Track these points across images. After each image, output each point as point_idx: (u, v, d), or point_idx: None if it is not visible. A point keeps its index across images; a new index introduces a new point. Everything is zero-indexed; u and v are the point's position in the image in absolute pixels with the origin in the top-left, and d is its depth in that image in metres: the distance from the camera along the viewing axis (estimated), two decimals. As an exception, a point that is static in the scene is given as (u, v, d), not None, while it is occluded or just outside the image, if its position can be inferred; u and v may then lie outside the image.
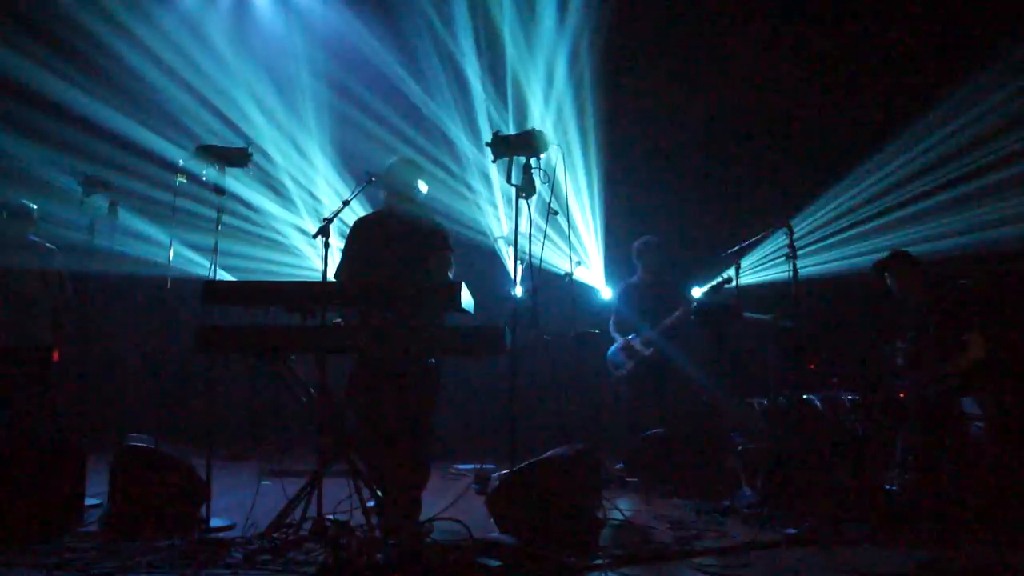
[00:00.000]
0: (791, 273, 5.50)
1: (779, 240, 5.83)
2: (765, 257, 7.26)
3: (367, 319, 4.62)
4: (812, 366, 6.07)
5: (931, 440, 5.07)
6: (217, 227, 5.04)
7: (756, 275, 7.55)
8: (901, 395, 5.42)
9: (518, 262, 5.02)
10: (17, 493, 4.35)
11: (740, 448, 5.85)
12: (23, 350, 6.23)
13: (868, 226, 7.91)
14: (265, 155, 9.07)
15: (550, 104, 9.00)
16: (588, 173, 9.11)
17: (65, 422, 6.27)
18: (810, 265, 7.63)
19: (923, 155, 7.79)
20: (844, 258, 7.87)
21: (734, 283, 6.06)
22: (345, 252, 5.09)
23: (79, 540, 4.22)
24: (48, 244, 6.46)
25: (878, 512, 4.84)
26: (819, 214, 8.18)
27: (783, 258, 5.56)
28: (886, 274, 5.77)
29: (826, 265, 7.88)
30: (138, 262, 8.05)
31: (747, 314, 6.29)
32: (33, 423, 6.16)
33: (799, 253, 5.54)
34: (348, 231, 5.16)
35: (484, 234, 8.89)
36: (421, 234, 4.98)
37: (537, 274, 5.01)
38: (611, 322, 7.53)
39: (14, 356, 6.20)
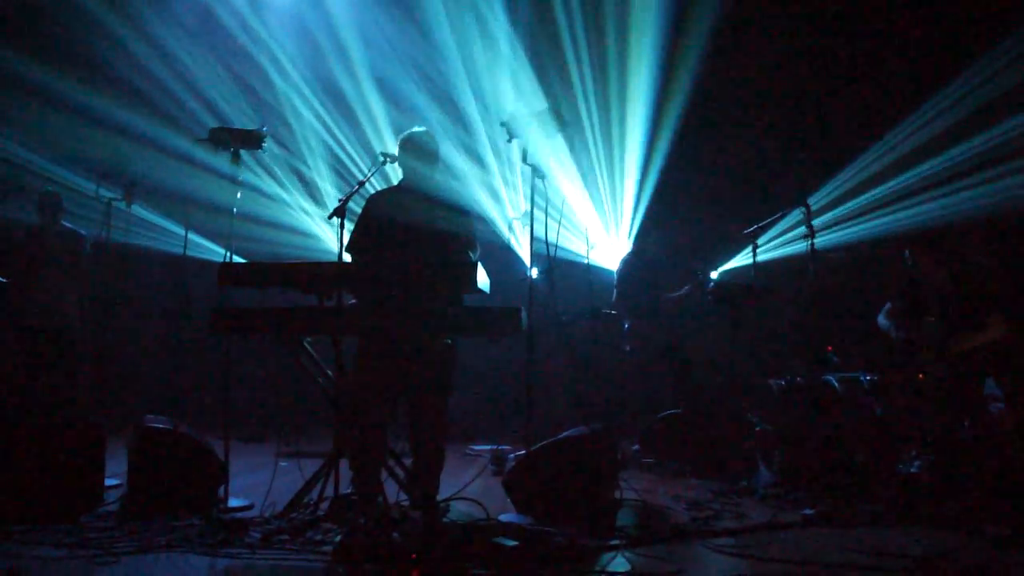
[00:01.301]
0: (808, 251, 5.45)
1: (797, 216, 5.77)
2: (782, 234, 7.22)
3: (382, 300, 4.58)
4: (830, 347, 6.03)
5: (950, 421, 5.03)
6: (233, 209, 5.02)
7: (774, 252, 7.52)
8: (920, 376, 5.38)
9: (533, 242, 4.98)
10: (38, 473, 4.38)
11: (757, 428, 5.83)
12: (51, 332, 6.34)
13: (886, 189, 7.87)
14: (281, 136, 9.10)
15: (573, 83, 8.95)
16: (607, 154, 9.10)
17: (86, 403, 6.35)
18: (827, 238, 7.64)
19: (943, 121, 7.73)
20: (861, 230, 7.84)
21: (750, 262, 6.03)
22: (358, 226, 4.81)
23: (99, 520, 4.26)
24: (80, 231, 6.56)
25: (896, 493, 4.81)
26: (836, 185, 8.14)
27: (801, 238, 5.51)
28: (907, 256, 5.71)
29: (843, 236, 7.85)
30: (153, 247, 8.12)
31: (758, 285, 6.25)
32: (56, 403, 6.26)
33: (816, 229, 5.49)
34: (364, 204, 4.91)
35: (498, 215, 8.88)
36: (440, 211, 4.78)
37: (553, 254, 4.99)
38: (613, 295, 7.53)
39: (43, 338, 6.32)
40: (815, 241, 5.45)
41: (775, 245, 7.52)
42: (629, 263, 7.56)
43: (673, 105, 8.92)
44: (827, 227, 7.82)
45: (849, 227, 7.93)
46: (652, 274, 7.39)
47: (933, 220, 7.38)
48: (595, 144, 9.08)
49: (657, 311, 7.19)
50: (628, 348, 7.29)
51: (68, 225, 6.59)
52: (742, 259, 7.37)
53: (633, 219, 8.36)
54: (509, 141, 4.82)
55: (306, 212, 9.45)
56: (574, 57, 8.94)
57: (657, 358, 7.09)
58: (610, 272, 8.17)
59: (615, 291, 7.48)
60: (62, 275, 6.45)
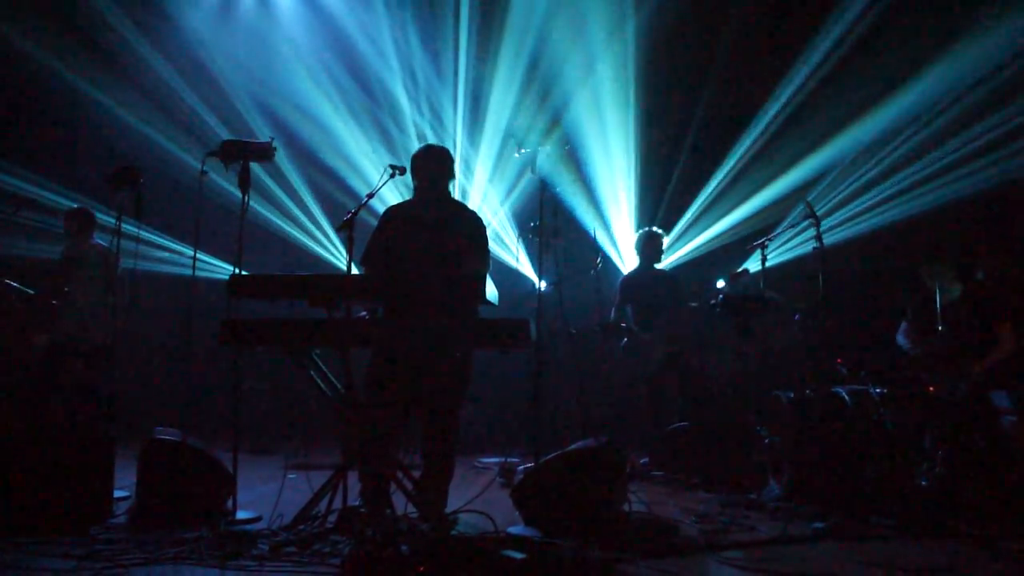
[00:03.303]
0: (818, 261, 5.44)
1: (803, 212, 5.76)
2: (790, 238, 7.22)
3: (395, 312, 4.59)
4: (839, 360, 6.00)
5: (961, 434, 5.00)
6: (241, 222, 5.00)
7: (782, 255, 7.51)
8: (931, 388, 5.35)
9: (543, 254, 4.99)
10: (47, 485, 4.39)
11: (767, 441, 5.81)
12: (82, 351, 6.31)
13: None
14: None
15: (579, 94, 8.97)
16: (618, 161, 9.12)
17: (104, 418, 6.32)
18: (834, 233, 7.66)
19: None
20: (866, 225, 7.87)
21: (759, 269, 6.01)
22: (373, 240, 4.89)
23: (107, 531, 4.26)
24: (108, 246, 6.50)
25: (907, 507, 4.78)
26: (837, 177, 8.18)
27: (808, 239, 5.51)
28: (921, 271, 5.69)
29: (850, 231, 7.87)
30: (162, 270, 8.17)
31: (769, 294, 6.23)
32: (78, 418, 6.24)
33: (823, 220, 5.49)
34: (380, 216, 4.99)
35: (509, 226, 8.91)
36: (455, 225, 4.82)
37: (562, 266, 4.98)
38: (612, 312, 7.47)
39: (73, 354, 6.29)
40: (824, 250, 5.45)
41: (784, 250, 7.51)
42: (631, 281, 7.50)
43: (679, 111, 8.97)
44: (832, 213, 7.87)
45: (853, 221, 7.95)
46: (647, 289, 7.35)
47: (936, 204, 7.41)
48: (602, 154, 9.10)
49: (670, 323, 7.14)
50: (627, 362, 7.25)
51: (100, 242, 6.59)
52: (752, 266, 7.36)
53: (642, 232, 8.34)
54: (518, 153, 4.84)
55: (316, 224, 9.50)
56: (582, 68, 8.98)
57: (664, 371, 7.05)
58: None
59: (616, 307, 7.42)
60: (96, 292, 6.42)
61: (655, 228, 7.66)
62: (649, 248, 7.50)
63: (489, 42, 9.03)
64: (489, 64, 9.05)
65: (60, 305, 6.32)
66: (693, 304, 7.13)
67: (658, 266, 7.59)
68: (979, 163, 7.46)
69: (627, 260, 8.90)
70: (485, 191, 9.09)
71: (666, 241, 7.82)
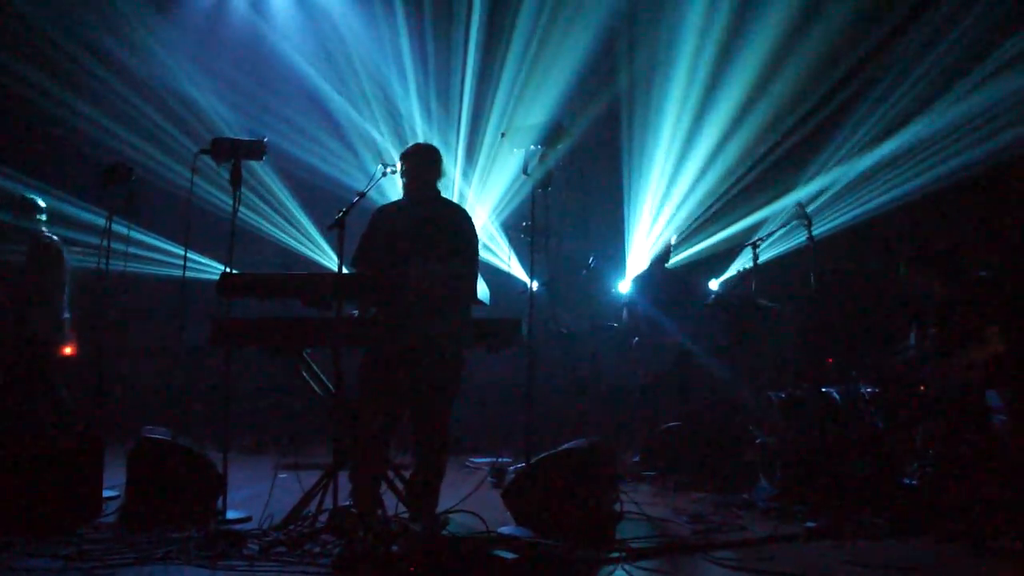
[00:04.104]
0: (809, 261, 5.45)
1: (794, 212, 5.76)
2: (781, 237, 7.23)
3: (386, 311, 4.58)
4: (830, 360, 6.02)
5: (952, 434, 5.01)
6: (233, 220, 4.97)
7: (772, 249, 7.51)
8: (922, 388, 5.36)
9: (534, 254, 4.98)
10: (36, 484, 4.37)
11: (758, 441, 5.81)
12: (21, 344, 6.12)
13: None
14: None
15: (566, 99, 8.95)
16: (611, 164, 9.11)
17: (72, 416, 6.20)
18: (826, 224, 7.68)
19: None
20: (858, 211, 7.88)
21: (751, 268, 6.03)
22: (364, 240, 4.88)
23: (97, 531, 4.24)
24: (55, 238, 6.35)
25: (898, 506, 4.79)
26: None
27: (800, 233, 5.52)
28: (902, 270, 5.70)
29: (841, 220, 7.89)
30: (153, 271, 8.13)
31: (760, 301, 6.24)
32: (35, 417, 6.10)
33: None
34: (370, 217, 4.97)
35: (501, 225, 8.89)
36: (444, 223, 4.80)
37: (554, 266, 4.97)
38: (624, 312, 7.49)
39: (12, 350, 6.11)
40: (816, 243, 5.46)
41: (775, 245, 7.51)
42: (641, 280, 7.51)
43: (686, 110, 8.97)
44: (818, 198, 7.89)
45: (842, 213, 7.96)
46: (673, 286, 7.35)
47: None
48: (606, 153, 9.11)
49: (681, 322, 7.15)
50: (637, 361, 7.25)
51: (44, 232, 6.37)
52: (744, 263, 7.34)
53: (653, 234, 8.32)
54: (512, 152, 4.84)
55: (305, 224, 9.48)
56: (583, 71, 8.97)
57: (665, 371, 7.05)
58: (614, 282, 8.16)
59: (627, 308, 7.43)
60: (34, 284, 6.23)
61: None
62: (659, 248, 7.56)
63: (498, 40, 9.03)
64: (496, 63, 9.04)
65: (39, 302, 6.19)
66: (713, 295, 7.12)
67: (667, 265, 7.61)
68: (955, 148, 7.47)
69: (630, 260, 8.91)
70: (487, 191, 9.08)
71: (675, 239, 7.84)
